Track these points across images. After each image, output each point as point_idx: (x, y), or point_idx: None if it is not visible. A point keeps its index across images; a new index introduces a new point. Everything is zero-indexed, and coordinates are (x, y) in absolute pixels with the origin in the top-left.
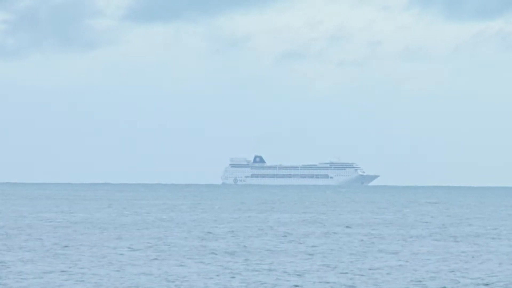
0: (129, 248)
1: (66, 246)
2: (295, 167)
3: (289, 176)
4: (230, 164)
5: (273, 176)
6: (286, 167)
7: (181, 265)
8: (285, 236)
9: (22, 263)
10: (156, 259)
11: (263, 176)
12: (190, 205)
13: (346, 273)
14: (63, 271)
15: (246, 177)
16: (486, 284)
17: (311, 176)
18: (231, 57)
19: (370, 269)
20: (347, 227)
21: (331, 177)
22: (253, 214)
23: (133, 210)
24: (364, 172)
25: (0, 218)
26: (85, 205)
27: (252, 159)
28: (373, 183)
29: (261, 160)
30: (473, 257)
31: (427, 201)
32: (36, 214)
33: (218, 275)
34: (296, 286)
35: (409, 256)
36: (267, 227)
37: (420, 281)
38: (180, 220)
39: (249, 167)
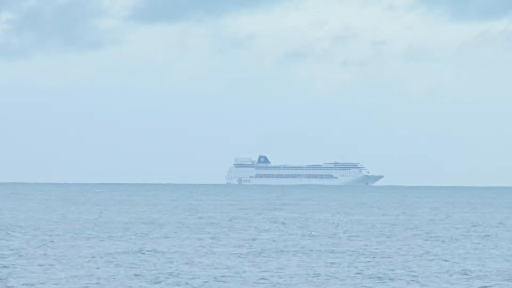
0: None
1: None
2: (300, 167)
3: (294, 176)
4: (234, 164)
5: (278, 176)
6: (290, 167)
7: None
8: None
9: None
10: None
11: (268, 176)
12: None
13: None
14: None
15: (250, 177)
16: None
17: (316, 176)
18: (235, 57)
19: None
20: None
21: (336, 177)
22: (317, 216)
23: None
24: (368, 173)
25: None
26: (139, 207)
27: (256, 159)
28: (378, 183)
29: (266, 160)
30: None
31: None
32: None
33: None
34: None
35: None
36: (339, 227)
37: None
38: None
39: (253, 167)
